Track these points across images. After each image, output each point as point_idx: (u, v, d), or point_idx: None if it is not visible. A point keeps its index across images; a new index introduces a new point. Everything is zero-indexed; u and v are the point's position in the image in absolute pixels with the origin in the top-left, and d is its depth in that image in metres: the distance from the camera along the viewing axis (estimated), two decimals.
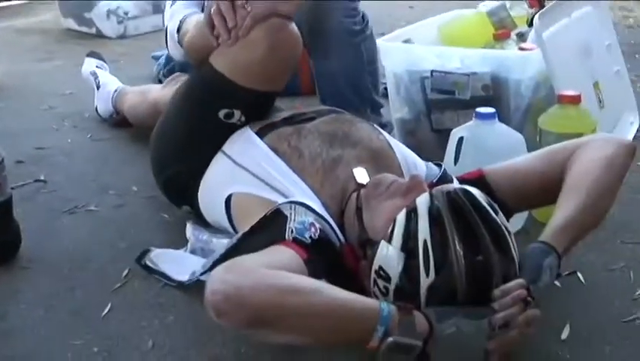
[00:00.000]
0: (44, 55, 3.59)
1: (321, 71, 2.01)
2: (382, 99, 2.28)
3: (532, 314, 1.21)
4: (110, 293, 1.53)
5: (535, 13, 2.00)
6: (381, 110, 2.12)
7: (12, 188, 1.75)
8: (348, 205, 1.43)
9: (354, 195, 1.42)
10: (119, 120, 2.48)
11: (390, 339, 1.14)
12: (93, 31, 3.92)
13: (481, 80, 2.01)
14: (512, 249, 1.25)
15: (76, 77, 2.92)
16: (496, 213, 1.26)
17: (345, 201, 1.44)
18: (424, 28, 2.38)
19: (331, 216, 1.41)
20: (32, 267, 1.64)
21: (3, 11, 4.64)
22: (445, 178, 1.52)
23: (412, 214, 1.25)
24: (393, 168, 1.52)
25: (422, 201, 1.25)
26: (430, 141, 2.12)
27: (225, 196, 1.55)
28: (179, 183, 1.71)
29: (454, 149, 1.72)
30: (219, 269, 1.17)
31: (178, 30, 1.93)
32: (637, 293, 1.48)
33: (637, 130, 2.34)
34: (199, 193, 1.66)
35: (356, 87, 2.01)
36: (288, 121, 1.63)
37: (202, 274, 1.45)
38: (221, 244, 1.53)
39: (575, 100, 1.78)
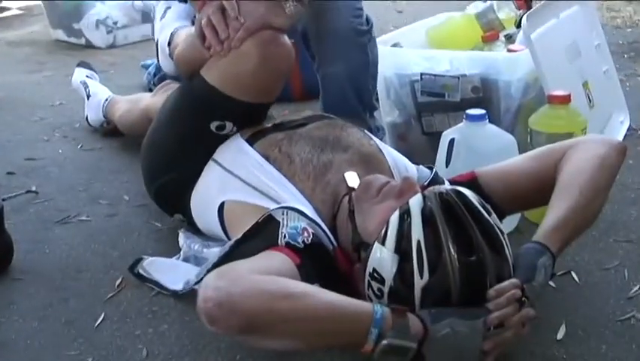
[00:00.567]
0: (34, 66, 3.59)
1: (327, 75, 2.00)
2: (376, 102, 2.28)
3: (526, 314, 1.21)
4: (103, 303, 1.52)
5: (523, 15, 2.00)
6: (375, 114, 2.11)
7: (3, 199, 1.75)
8: (341, 209, 1.43)
9: (346, 198, 1.42)
10: (109, 130, 2.48)
11: (385, 342, 1.14)
12: (82, 41, 3.92)
13: (470, 82, 2.01)
14: (506, 249, 1.25)
15: (66, 87, 2.92)
16: (489, 213, 1.27)
17: (337, 205, 1.44)
18: (413, 32, 2.38)
19: (323, 221, 1.40)
20: (25, 278, 1.63)
21: None
22: (436, 181, 1.52)
23: (404, 216, 1.25)
24: (384, 172, 1.52)
25: (415, 203, 1.26)
26: (422, 144, 2.12)
27: (218, 204, 1.55)
28: (171, 192, 1.71)
29: (446, 151, 1.72)
30: (211, 276, 1.16)
31: (169, 43, 1.93)
32: (632, 292, 1.48)
33: (627, 129, 2.35)
34: (191, 202, 1.66)
35: (359, 91, 2.01)
36: (279, 127, 1.63)
37: (196, 283, 1.45)
38: (214, 252, 1.52)
39: (565, 100, 1.79)
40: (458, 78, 2.02)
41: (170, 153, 1.69)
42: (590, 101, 2.16)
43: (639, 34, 3.70)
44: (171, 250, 1.68)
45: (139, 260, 1.62)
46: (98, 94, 2.55)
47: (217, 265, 1.35)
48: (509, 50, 2.12)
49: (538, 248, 1.29)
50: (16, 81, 3.30)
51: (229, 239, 1.52)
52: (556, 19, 2.14)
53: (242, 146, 1.59)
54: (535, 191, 1.48)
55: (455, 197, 1.25)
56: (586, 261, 1.60)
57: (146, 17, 3.85)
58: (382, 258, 1.24)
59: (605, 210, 1.71)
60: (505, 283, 1.21)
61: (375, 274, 1.25)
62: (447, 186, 1.38)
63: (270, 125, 1.64)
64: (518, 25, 2.24)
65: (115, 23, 3.89)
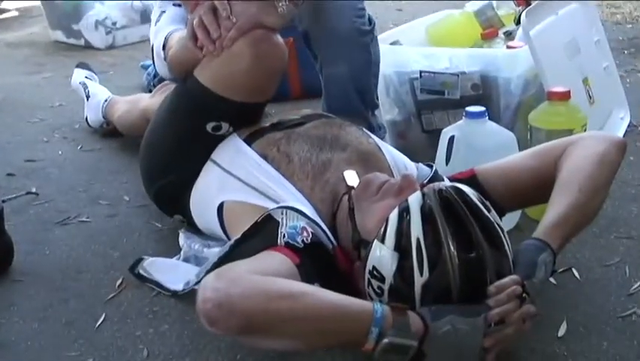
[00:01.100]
0: (33, 67, 3.58)
1: (330, 75, 2.00)
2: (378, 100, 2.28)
3: (527, 310, 1.21)
4: (103, 303, 1.52)
5: (522, 11, 2.00)
6: (376, 112, 2.11)
7: (3, 201, 1.75)
8: (340, 208, 1.42)
9: (346, 197, 1.42)
10: (109, 130, 2.48)
11: (386, 340, 1.14)
12: (82, 42, 3.91)
13: (470, 80, 2.01)
14: (505, 245, 1.25)
15: (66, 88, 2.92)
16: (489, 210, 1.26)
17: (337, 204, 1.44)
18: (412, 30, 2.39)
19: (323, 220, 1.40)
20: (25, 279, 1.63)
21: None
22: (435, 179, 1.51)
23: (404, 213, 1.25)
24: (384, 170, 1.51)
25: (414, 200, 1.25)
26: (421, 142, 2.12)
27: (217, 205, 1.55)
28: (170, 193, 1.70)
29: (445, 149, 1.72)
30: (210, 277, 1.16)
31: (164, 47, 1.93)
32: (633, 288, 1.48)
33: (627, 125, 2.35)
34: (190, 202, 1.66)
35: (362, 91, 2.00)
36: (277, 126, 1.62)
37: (196, 283, 1.45)
38: (214, 252, 1.52)
39: (565, 96, 1.79)
40: (458, 75, 2.01)
41: (167, 154, 1.69)
42: (590, 97, 2.16)
43: (639, 31, 3.70)
44: (171, 250, 1.68)
45: (139, 260, 1.62)
46: (98, 95, 2.55)
47: (216, 265, 1.35)
48: (509, 47, 2.11)
49: (539, 245, 1.29)
50: (15, 82, 3.29)
51: (229, 239, 1.52)
52: (555, 15, 2.14)
53: (240, 146, 1.58)
54: (535, 188, 1.48)
55: (454, 194, 1.25)
56: (587, 258, 1.60)
57: (145, 18, 3.84)
58: (382, 256, 1.24)
59: (606, 207, 1.72)
60: (506, 279, 1.21)
61: (375, 272, 1.25)
62: (446, 183, 1.38)
63: (267, 124, 1.64)
64: (517, 22, 2.24)
65: (114, 24, 3.88)
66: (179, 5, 2.00)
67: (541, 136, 1.73)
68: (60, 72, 3.38)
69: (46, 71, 3.49)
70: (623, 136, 2.18)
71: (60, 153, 2.41)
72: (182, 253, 1.65)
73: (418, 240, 1.21)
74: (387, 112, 2.19)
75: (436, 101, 2.06)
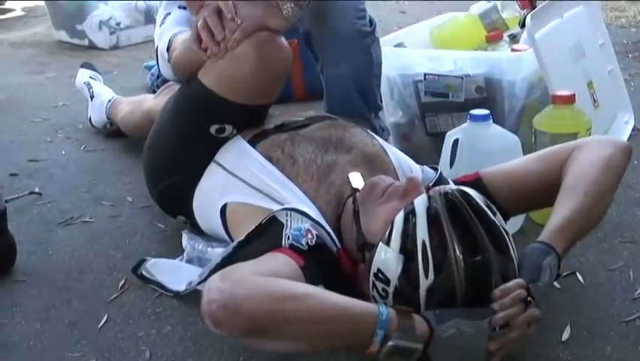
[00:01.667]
0: (37, 67, 3.58)
1: (331, 77, 2.00)
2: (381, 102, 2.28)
3: (532, 314, 1.21)
4: (106, 304, 1.52)
5: (527, 14, 1.99)
6: (380, 114, 2.11)
7: (6, 201, 1.74)
8: (345, 210, 1.42)
9: (351, 199, 1.41)
10: (112, 131, 2.48)
11: (391, 343, 1.14)
12: (85, 42, 3.91)
13: (474, 82, 2.01)
14: (511, 249, 1.25)
15: (69, 88, 2.92)
16: (494, 214, 1.26)
17: (342, 206, 1.44)
18: (416, 32, 2.38)
19: (327, 222, 1.40)
20: (28, 280, 1.63)
21: None
22: (441, 182, 1.51)
23: (410, 216, 1.24)
24: (389, 173, 1.51)
25: (420, 203, 1.25)
26: (425, 145, 2.11)
27: (220, 206, 1.55)
28: (174, 195, 1.70)
29: (450, 152, 1.72)
30: (215, 278, 1.16)
31: (168, 49, 1.92)
32: (637, 293, 1.48)
33: (632, 129, 2.34)
34: (194, 204, 1.65)
35: (364, 92, 2.00)
36: (281, 128, 1.62)
37: (199, 283, 1.45)
38: (218, 253, 1.52)
39: (570, 100, 1.78)
40: (462, 78, 2.01)
41: (171, 156, 1.69)
42: (594, 101, 2.16)
43: None
44: (174, 251, 1.68)
45: (142, 261, 1.62)
46: (102, 95, 2.55)
47: (220, 266, 1.35)
48: (513, 50, 2.11)
49: (544, 248, 1.29)
50: (19, 82, 3.30)
51: (232, 240, 1.51)
52: (560, 18, 2.14)
53: (244, 147, 1.58)
54: (539, 192, 1.48)
55: (460, 197, 1.24)
56: (591, 262, 1.60)
57: (149, 19, 3.84)
58: (387, 258, 1.24)
59: (610, 211, 1.71)
60: (511, 283, 1.21)
61: (379, 275, 1.25)
62: (452, 186, 1.37)
63: (272, 126, 1.63)
64: (522, 25, 2.24)
65: (118, 24, 3.89)
66: (184, 8, 2.00)
67: (546, 140, 1.72)
68: (64, 72, 3.38)
69: (49, 71, 3.49)
70: (628, 140, 2.18)
71: (63, 153, 2.41)
72: (185, 254, 1.64)
73: (423, 243, 1.21)
74: (391, 114, 2.18)
75: (440, 104, 2.06)
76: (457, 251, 1.19)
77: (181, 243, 1.68)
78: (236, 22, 1.50)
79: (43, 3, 4.24)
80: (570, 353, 1.30)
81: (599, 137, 1.71)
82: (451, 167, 1.70)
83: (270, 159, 1.53)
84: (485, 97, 2.00)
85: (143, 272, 1.59)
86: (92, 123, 2.55)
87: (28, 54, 3.88)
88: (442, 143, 1.76)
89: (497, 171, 1.52)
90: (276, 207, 1.42)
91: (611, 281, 1.53)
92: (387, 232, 1.26)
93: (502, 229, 1.25)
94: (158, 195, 1.76)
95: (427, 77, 2.06)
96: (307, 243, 1.32)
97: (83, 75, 2.72)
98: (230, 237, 1.55)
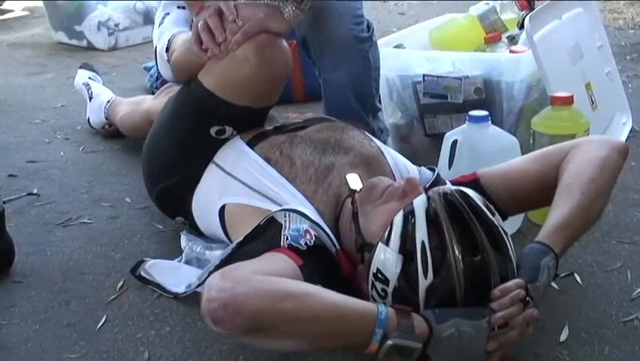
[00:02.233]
0: (35, 68, 3.58)
1: (329, 82, 2.00)
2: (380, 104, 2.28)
3: (531, 314, 1.21)
4: (104, 305, 1.52)
5: (526, 16, 2.00)
6: (378, 115, 2.11)
7: (5, 202, 1.74)
8: (343, 211, 1.42)
9: (349, 200, 1.42)
10: (111, 132, 2.48)
11: (390, 342, 1.14)
12: (84, 43, 3.92)
13: (473, 84, 2.01)
14: (509, 249, 1.25)
15: (68, 89, 2.93)
16: (493, 214, 1.26)
17: (340, 207, 1.44)
18: (415, 34, 2.39)
19: (325, 223, 1.40)
20: (26, 281, 1.63)
21: None
22: (438, 182, 1.51)
23: (409, 216, 1.24)
24: (386, 174, 1.52)
25: (419, 203, 1.25)
26: (424, 146, 2.11)
27: (219, 207, 1.55)
28: (172, 196, 1.70)
29: (448, 153, 1.72)
30: (215, 277, 1.16)
31: (167, 49, 1.92)
32: (635, 293, 1.48)
33: (630, 131, 2.35)
34: (192, 205, 1.65)
35: (362, 96, 2.00)
36: (280, 130, 1.62)
37: (198, 286, 1.45)
38: (216, 255, 1.52)
39: (568, 101, 1.78)
40: (461, 79, 2.01)
41: (170, 157, 1.68)
42: (592, 102, 2.16)
43: None
44: (173, 252, 1.68)
45: (141, 262, 1.62)
46: (101, 95, 2.55)
47: (218, 267, 1.34)
48: (512, 52, 2.11)
49: (542, 248, 1.29)
50: (17, 84, 3.30)
51: (231, 241, 1.51)
52: (558, 20, 2.14)
53: (243, 148, 1.58)
54: (537, 192, 1.48)
55: (459, 198, 1.25)
56: (589, 263, 1.60)
57: (148, 19, 3.85)
58: (386, 258, 1.24)
59: (608, 212, 1.72)
60: (509, 283, 1.21)
61: (379, 275, 1.25)
62: (451, 186, 1.38)
63: (270, 127, 1.63)
64: (521, 27, 2.24)
65: (116, 25, 3.89)
66: (183, 8, 2.00)
67: (544, 141, 1.73)
68: (62, 73, 3.38)
69: (48, 72, 3.49)
70: (626, 141, 2.18)
71: (62, 154, 2.41)
72: (183, 255, 1.64)
73: (422, 243, 1.21)
74: (390, 115, 2.18)
75: (439, 105, 2.06)
76: (457, 251, 1.19)
77: (180, 244, 1.68)
78: (238, 23, 1.50)
79: (41, 4, 4.24)
80: (569, 354, 1.30)
81: (596, 136, 1.71)
82: (449, 168, 1.70)
83: (268, 160, 1.53)
84: (484, 98, 2.01)
85: (142, 273, 1.59)
86: (90, 124, 2.56)
87: (26, 55, 3.88)
88: (441, 144, 1.76)
89: (495, 172, 1.52)
90: (274, 208, 1.42)
91: (609, 282, 1.53)
92: (386, 233, 1.26)
93: (501, 229, 1.25)
94: (156, 196, 1.76)
95: (425, 78, 2.06)
96: (306, 243, 1.32)
97: (82, 76, 2.72)
98: (228, 238, 1.55)
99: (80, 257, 1.73)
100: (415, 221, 1.23)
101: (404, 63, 2.12)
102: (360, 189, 1.42)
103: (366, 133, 1.69)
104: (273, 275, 1.20)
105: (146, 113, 2.18)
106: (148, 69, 3.07)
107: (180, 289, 1.51)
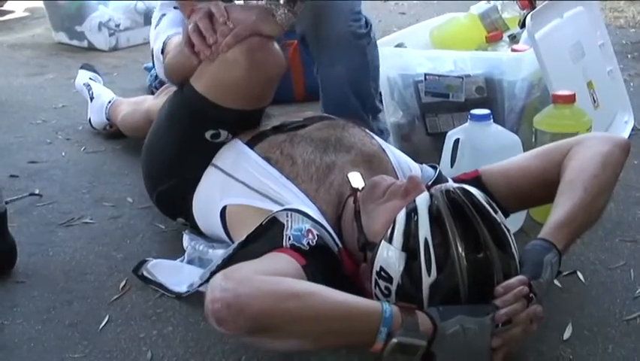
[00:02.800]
0: (36, 69, 3.58)
1: (327, 78, 2.00)
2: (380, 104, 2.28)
3: (534, 310, 1.21)
4: (107, 305, 1.52)
5: (527, 15, 1.99)
6: (379, 116, 2.11)
7: (6, 202, 1.74)
8: (345, 210, 1.42)
9: (351, 199, 1.41)
10: (112, 132, 2.48)
11: (395, 340, 1.13)
12: (85, 44, 3.91)
13: (474, 83, 2.01)
14: (512, 246, 1.25)
15: (69, 90, 2.92)
16: (496, 211, 1.26)
17: (342, 206, 1.44)
18: (417, 33, 2.39)
19: (328, 222, 1.40)
20: (28, 281, 1.63)
21: None
22: (440, 180, 1.51)
23: (412, 214, 1.24)
24: (388, 172, 1.51)
25: (422, 201, 1.25)
26: (426, 145, 2.11)
27: (220, 208, 1.54)
28: (172, 198, 1.70)
29: (450, 151, 1.72)
30: (218, 277, 1.15)
31: (162, 51, 1.92)
32: (638, 291, 1.48)
33: (631, 129, 2.35)
34: (193, 206, 1.65)
35: (360, 94, 2.00)
36: (279, 129, 1.61)
37: (200, 285, 1.44)
38: (218, 254, 1.52)
39: (570, 100, 1.78)
40: (462, 78, 2.01)
41: (168, 160, 1.68)
42: (594, 101, 2.16)
43: None
44: (175, 251, 1.68)
45: (143, 262, 1.61)
46: (102, 96, 2.55)
47: (221, 267, 1.35)
48: (513, 50, 2.11)
49: (544, 245, 1.29)
50: (18, 84, 3.30)
51: (232, 242, 1.51)
52: (560, 18, 2.14)
53: (242, 149, 1.58)
54: (538, 188, 1.48)
55: (462, 195, 1.24)
56: (591, 261, 1.60)
57: (149, 20, 3.81)
58: (390, 256, 1.24)
59: (611, 210, 1.72)
60: (513, 280, 1.21)
61: (382, 273, 1.25)
62: (453, 184, 1.37)
63: (270, 127, 1.63)
64: (522, 25, 2.23)
65: (117, 26, 3.88)
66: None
67: (546, 139, 1.72)
68: (63, 74, 3.38)
69: (49, 73, 3.49)
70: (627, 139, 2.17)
71: (63, 154, 2.41)
72: (186, 254, 1.64)
73: (425, 240, 1.21)
74: (391, 115, 2.18)
75: (441, 104, 2.06)
76: (460, 249, 1.19)
77: (182, 244, 1.68)
78: (229, 25, 1.49)
79: (42, 4, 4.23)
80: (572, 352, 1.30)
81: (597, 133, 1.71)
82: (451, 167, 1.70)
83: (268, 160, 1.53)
84: (485, 97, 2.00)
85: (144, 273, 1.59)
86: (91, 125, 2.55)
87: (27, 56, 3.88)
88: (443, 143, 1.76)
89: (496, 169, 1.52)
90: (275, 208, 1.42)
91: (612, 280, 1.53)
92: (389, 231, 1.25)
93: (504, 226, 1.25)
94: (157, 198, 1.75)
95: (427, 77, 2.06)
96: (308, 243, 1.32)
97: (83, 76, 2.72)
98: (230, 239, 1.54)
99: (82, 257, 1.72)
100: (417, 219, 1.23)
101: (405, 62, 2.12)
102: (363, 188, 1.42)
103: (367, 131, 1.68)
104: (275, 275, 1.19)
105: (146, 113, 2.18)
106: (149, 69, 3.07)
107: (182, 288, 1.51)
